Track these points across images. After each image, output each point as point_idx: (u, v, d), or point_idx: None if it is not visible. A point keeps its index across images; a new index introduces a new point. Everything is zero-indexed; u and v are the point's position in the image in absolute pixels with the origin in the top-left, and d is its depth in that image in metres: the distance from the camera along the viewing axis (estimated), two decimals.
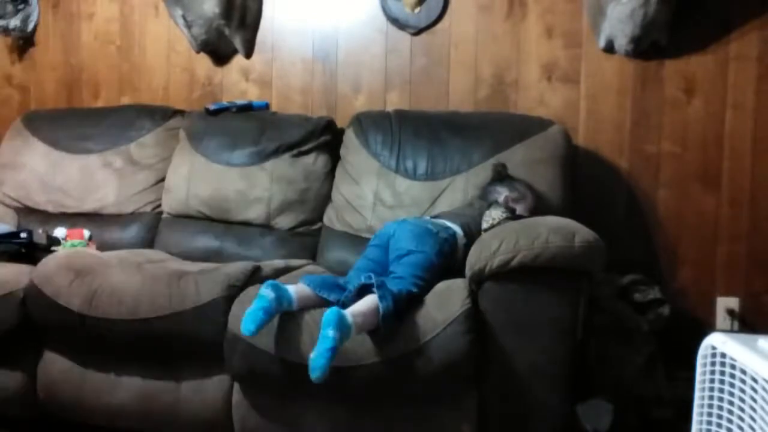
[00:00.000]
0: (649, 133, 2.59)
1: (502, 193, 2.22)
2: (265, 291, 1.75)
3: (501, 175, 2.29)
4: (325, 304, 1.83)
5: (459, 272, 1.93)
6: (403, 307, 1.77)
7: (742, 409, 1.33)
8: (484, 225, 2.04)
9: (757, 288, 2.52)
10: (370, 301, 1.74)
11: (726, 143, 2.53)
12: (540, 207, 2.24)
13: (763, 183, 2.50)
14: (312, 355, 1.64)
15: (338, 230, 2.50)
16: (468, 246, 1.97)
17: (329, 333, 1.64)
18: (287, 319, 1.81)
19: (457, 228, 2.07)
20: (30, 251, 2.39)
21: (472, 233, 2.04)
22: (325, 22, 2.88)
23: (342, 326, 1.66)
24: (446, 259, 1.98)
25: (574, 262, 1.76)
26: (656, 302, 2.30)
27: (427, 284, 1.87)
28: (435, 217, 2.19)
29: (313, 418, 1.88)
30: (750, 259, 2.52)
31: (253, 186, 2.58)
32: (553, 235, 1.75)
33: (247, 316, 1.71)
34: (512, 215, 2.06)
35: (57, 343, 2.12)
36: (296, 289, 1.82)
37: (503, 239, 1.78)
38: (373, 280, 1.77)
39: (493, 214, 2.03)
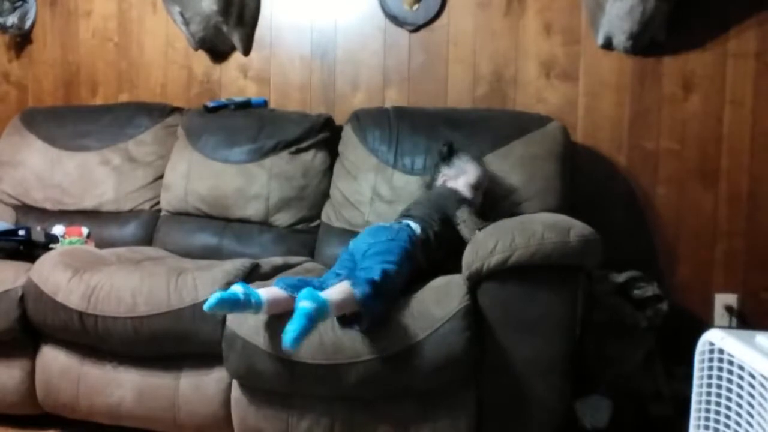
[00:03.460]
0: (647, 130, 2.59)
1: (443, 172, 2.27)
2: (235, 288, 1.75)
3: (443, 155, 2.30)
4: None
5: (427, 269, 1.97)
6: (384, 288, 1.76)
7: (739, 405, 1.33)
8: (469, 235, 2.02)
9: (756, 285, 2.52)
10: (342, 284, 1.75)
11: (724, 140, 2.53)
12: (492, 181, 2.27)
13: (761, 180, 2.50)
14: (287, 326, 1.63)
15: (336, 227, 2.50)
16: (426, 243, 2.01)
17: (303, 304, 1.65)
18: (285, 317, 1.80)
19: (414, 224, 2.07)
20: (28, 249, 2.39)
21: (426, 230, 2.05)
22: (324, 18, 2.88)
23: (316, 299, 1.66)
24: (409, 242, 1.97)
25: (570, 257, 1.76)
26: (654, 299, 2.30)
27: (399, 262, 1.86)
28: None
29: (311, 416, 1.88)
30: (748, 255, 2.52)
31: (251, 183, 2.58)
32: (549, 232, 1.75)
33: (216, 294, 1.70)
34: (468, 204, 2.10)
35: (55, 341, 2.12)
36: (267, 292, 1.78)
37: (499, 238, 1.77)
38: (343, 275, 1.77)
39: (464, 217, 2.05)
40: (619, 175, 2.61)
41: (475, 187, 2.22)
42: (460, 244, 1.96)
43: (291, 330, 1.62)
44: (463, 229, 2.05)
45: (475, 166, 2.25)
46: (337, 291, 1.74)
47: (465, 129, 2.46)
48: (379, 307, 1.75)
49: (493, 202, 2.27)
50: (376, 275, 1.77)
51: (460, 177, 2.23)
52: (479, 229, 1.96)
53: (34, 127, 2.92)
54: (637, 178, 2.60)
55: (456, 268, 1.90)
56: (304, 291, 1.69)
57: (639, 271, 2.35)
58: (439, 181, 2.27)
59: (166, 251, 2.54)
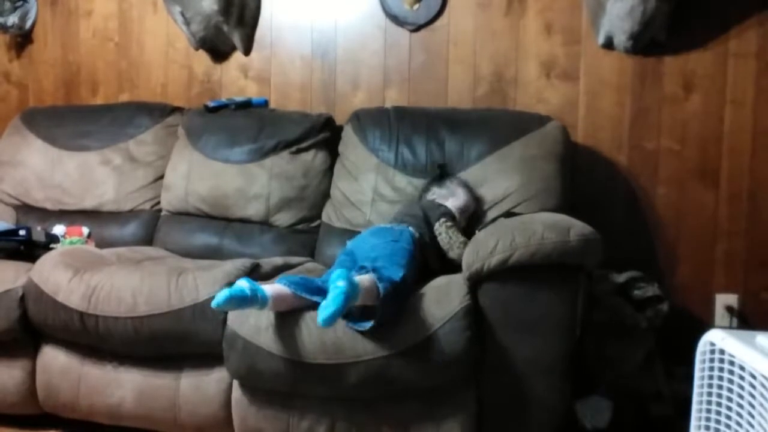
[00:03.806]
0: (648, 129, 2.59)
1: (434, 191, 2.31)
2: (240, 283, 1.74)
3: (435, 176, 2.36)
4: (304, 306, 1.80)
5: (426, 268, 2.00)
6: (402, 291, 1.77)
7: (740, 405, 1.33)
8: (446, 245, 2.08)
9: (756, 285, 2.52)
10: (370, 276, 1.75)
11: (725, 140, 2.53)
12: (479, 208, 2.30)
13: (761, 180, 2.50)
14: (323, 303, 1.62)
15: (337, 227, 2.50)
16: (424, 246, 2.05)
17: (339, 284, 1.64)
18: (285, 317, 1.81)
19: (412, 228, 2.09)
20: (29, 249, 2.39)
21: (423, 237, 2.08)
22: (324, 18, 2.88)
23: (351, 281, 1.66)
24: (412, 244, 1.99)
25: (570, 256, 1.76)
26: (655, 299, 2.30)
27: (408, 265, 1.87)
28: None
29: (312, 416, 1.88)
30: (749, 255, 2.52)
31: (252, 183, 2.58)
32: (549, 231, 1.75)
33: (224, 291, 1.69)
34: (450, 218, 2.14)
35: (56, 341, 2.12)
36: (271, 289, 1.77)
37: (499, 238, 1.77)
38: (369, 268, 1.77)
39: (442, 229, 2.09)
40: (620, 175, 2.61)
41: (462, 210, 2.25)
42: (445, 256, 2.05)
43: (327, 307, 1.60)
44: (443, 239, 2.09)
45: (465, 191, 2.29)
46: (365, 280, 1.73)
47: (465, 129, 2.46)
48: (392, 308, 1.75)
49: (475, 225, 2.27)
50: (397, 276, 1.78)
51: (449, 198, 2.26)
52: (461, 243, 2.03)
53: (34, 126, 2.92)
54: (638, 178, 2.60)
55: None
56: (338, 271, 1.69)
57: (639, 271, 2.35)
58: (428, 196, 2.31)
59: (166, 251, 2.54)
